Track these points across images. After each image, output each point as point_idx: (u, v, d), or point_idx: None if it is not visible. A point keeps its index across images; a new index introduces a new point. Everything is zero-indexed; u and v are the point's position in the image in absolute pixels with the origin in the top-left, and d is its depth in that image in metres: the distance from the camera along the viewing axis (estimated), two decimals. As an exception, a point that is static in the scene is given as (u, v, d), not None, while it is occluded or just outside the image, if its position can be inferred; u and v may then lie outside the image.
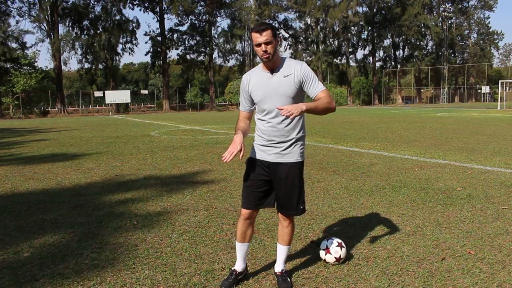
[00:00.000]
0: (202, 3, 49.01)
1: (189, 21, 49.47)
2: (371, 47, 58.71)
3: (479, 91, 66.41)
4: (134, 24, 46.53)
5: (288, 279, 2.89)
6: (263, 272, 3.06)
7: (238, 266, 2.93)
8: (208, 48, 49.80)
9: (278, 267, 2.93)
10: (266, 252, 3.44)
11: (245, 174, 2.87)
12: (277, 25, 55.06)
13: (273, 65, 2.72)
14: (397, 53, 62.25)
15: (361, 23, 54.72)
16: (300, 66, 2.74)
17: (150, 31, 52.70)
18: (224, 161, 2.56)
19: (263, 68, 2.78)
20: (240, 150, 2.58)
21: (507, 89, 60.49)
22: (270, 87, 2.73)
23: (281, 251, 2.94)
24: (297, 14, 54.13)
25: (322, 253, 3.17)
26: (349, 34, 55.38)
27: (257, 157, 2.84)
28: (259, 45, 2.62)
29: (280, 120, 2.74)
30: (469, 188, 5.51)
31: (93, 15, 44.97)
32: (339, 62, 58.20)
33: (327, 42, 55.21)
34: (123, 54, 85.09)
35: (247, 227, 2.89)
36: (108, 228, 4.12)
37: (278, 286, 2.85)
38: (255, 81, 2.79)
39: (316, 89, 2.72)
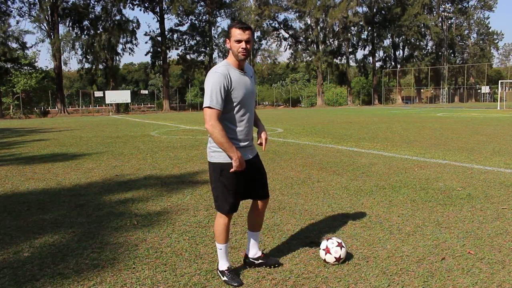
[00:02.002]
0: (202, 3, 49.04)
1: (189, 21, 49.51)
2: (371, 47, 58.72)
3: (479, 91, 66.44)
4: (134, 24, 46.56)
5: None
6: (263, 272, 3.06)
7: (229, 263, 3.03)
8: (208, 48, 49.81)
9: (259, 251, 3.17)
10: (266, 252, 3.44)
11: (231, 182, 2.83)
12: (277, 25, 55.13)
13: (243, 64, 2.84)
14: (397, 53, 62.27)
15: (361, 23, 54.72)
16: (251, 68, 2.98)
17: (150, 31, 52.81)
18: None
19: (234, 66, 2.79)
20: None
21: (506, 89, 60.49)
22: (247, 86, 2.82)
23: (257, 236, 3.17)
24: (297, 14, 54.12)
25: (322, 253, 3.17)
26: (349, 34, 55.38)
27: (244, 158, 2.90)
28: (239, 41, 2.70)
29: (252, 117, 2.94)
30: (469, 188, 5.51)
31: (93, 15, 44.99)
32: (339, 62, 58.22)
33: (327, 42, 55.20)
34: (123, 54, 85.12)
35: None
36: (108, 228, 4.12)
37: (267, 265, 3.11)
38: (235, 80, 2.75)
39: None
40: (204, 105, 2.70)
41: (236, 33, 2.68)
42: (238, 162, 2.74)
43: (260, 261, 3.13)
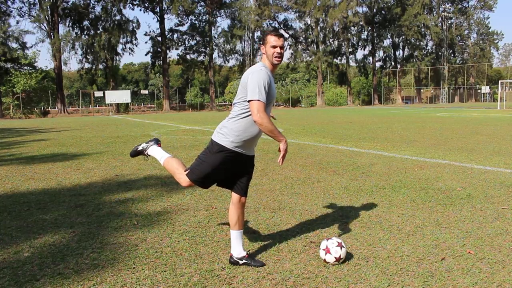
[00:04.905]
0: (202, 3, 49.03)
1: (189, 21, 49.52)
2: (371, 47, 58.72)
3: (479, 91, 66.44)
4: (134, 24, 46.58)
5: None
6: (263, 272, 3.06)
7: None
8: (208, 48, 49.81)
9: (244, 251, 3.19)
10: (267, 251, 3.45)
11: (217, 166, 3.08)
12: (277, 25, 55.12)
13: (274, 69, 3.06)
14: (397, 53, 62.27)
15: (361, 23, 54.72)
16: None
17: (150, 31, 52.79)
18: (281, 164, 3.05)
19: (269, 70, 3.02)
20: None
21: (506, 89, 60.49)
22: (274, 89, 3.04)
23: (239, 235, 3.21)
24: (297, 14, 54.13)
25: (322, 253, 3.17)
26: (349, 34, 55.38)
27: (245, 153, 3.11)
28: (275, 47, 2.96)
29: None
30: (469, 188, 5.51)
31: (93, 15, 45.00)
32: (339, 62, 58.23)
33: (327, 42, 55.19)
34: (123, 54, 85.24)
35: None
36: (108, 228, 4.12)
37: (253, 265, 3.13)
38: (272, 81, 3.00)
39: None
40: (252, 98, 2.87)
41: (272, 39, 2.96)
42: (286, 144, 2.99)
43: (244, 261, 3.16)
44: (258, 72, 2.91)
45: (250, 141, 3.06)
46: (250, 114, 2.95)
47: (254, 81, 2.87)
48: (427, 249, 3.45)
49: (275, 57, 2.96)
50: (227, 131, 3.04)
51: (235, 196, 3.19)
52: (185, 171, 3.24)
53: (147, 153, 3.56)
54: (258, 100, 2.85)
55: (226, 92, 66.78)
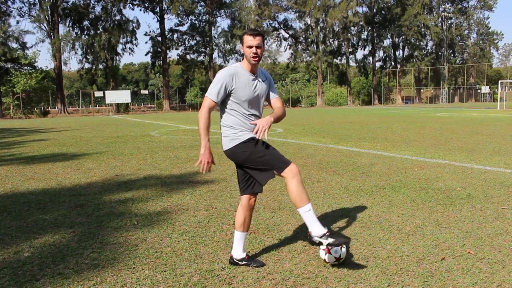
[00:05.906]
0: (202, 3, 49.05)
1: (189, 21, 49.56)
2: (371, 47, 58.72)
3: (479, 91, 66.47)
4: (134, 24, 46.64)
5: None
6: (263, 272, 3.06)
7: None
8: (208, 48, 49.83)
9: (244, 253, 3.18)
10: (267, 251, 3.45)
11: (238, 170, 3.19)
12: (277, 25, 55.16)
13: (256, 69, 3.05)
14: (397, 53, 62.28)
15: (361, 23, 54.73)
16: (267, 74, 3.23)
17: (150, 31, 52.87)
18: (204, 172, 2.97)
19: (247, 69, 3.03)
20: (213, 160, 3.00)
21: (506, 89, 60.54)
22: (254, 89, 3.04)
23: (242, 237, 3.20)
24: (297, 14, 54.14)
25: (322, 253, 3.17)
26: (349, 34, 55.38)
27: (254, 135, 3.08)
28: (250, 47, 2.94)
29: (260, 115, 3.15)
30: (469, 188, 5.51)
31: (93, 15, 45.04)
32: (339, 62, 58.23)
33: (327, 42, 55.21)
34: (123, 54, 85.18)
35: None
36: (108, 228, 4.12)
37: (255, 266, 3.13)
38: (242, 81, 3.00)
39: (275, 94, 3.20)
40: (206, 94, 3.01)
41: (248, 39, 2.94)
42: (203, 153, 2.95)
43: (244, 262, 3.16)
44: (221, 71, 3.01)
45: (246, 124, 3.04)
46: (231, 109, 3.04)
47: (214, 78, 3.00)
48: (427, 249, 3.45)
49: (251, 57, 2.95)
50: (228, 132, 3.08)
51: (245, 197, 3.18)
52: (279, 173, 3.01)
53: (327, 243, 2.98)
54: (207, 96, 2.98)
55: (226, 92, 66.70)
